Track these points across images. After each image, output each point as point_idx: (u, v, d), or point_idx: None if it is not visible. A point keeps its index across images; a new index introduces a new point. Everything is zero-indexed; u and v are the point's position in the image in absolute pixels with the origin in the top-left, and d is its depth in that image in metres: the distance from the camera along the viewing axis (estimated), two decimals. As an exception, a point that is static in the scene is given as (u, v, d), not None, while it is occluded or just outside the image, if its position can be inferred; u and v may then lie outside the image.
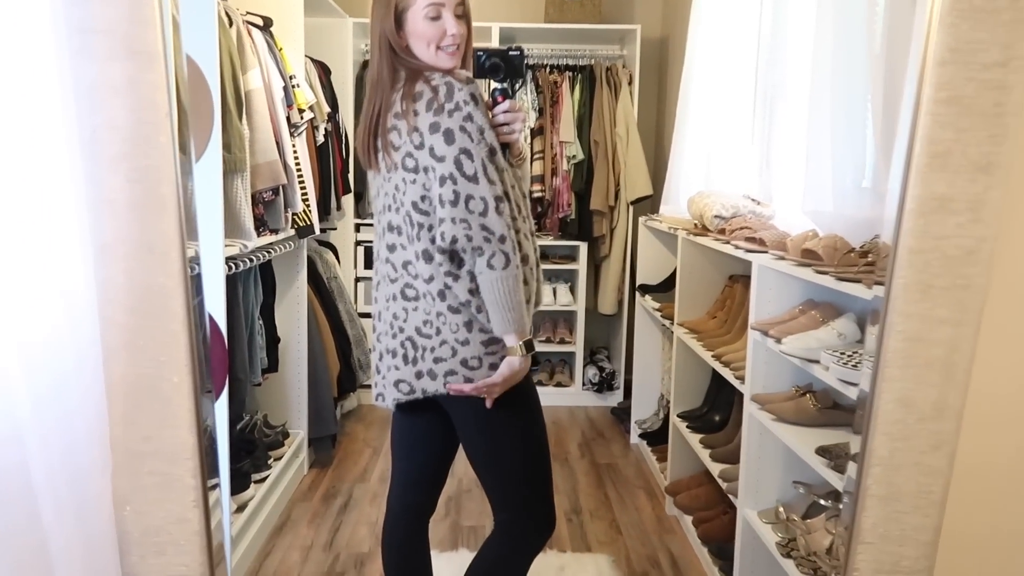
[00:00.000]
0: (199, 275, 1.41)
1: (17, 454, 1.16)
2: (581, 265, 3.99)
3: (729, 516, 2.35)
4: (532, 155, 3.86)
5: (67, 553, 1.22)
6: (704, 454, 2.47)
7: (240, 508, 2.46)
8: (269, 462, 2.78)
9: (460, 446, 1.67)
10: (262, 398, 3.05)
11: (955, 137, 1.23)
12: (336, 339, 3.36)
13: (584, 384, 4.08)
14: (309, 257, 3.18)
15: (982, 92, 1.22)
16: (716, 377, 2.64)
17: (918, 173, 1.24)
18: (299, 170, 2.76)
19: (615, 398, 4.06)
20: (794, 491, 2.00)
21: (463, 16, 1.51)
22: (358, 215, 3.89)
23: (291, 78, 2.75)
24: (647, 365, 3.44)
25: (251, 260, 2.40)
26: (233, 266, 2.24)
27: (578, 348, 4.06)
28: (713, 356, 2.36)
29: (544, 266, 3.91)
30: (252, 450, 2.71)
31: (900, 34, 1.69)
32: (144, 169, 1.24)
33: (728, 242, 2.29)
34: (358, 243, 3.90)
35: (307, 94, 2.85)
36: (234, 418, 2.72)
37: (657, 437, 3.25)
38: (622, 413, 3.77)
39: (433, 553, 1.78)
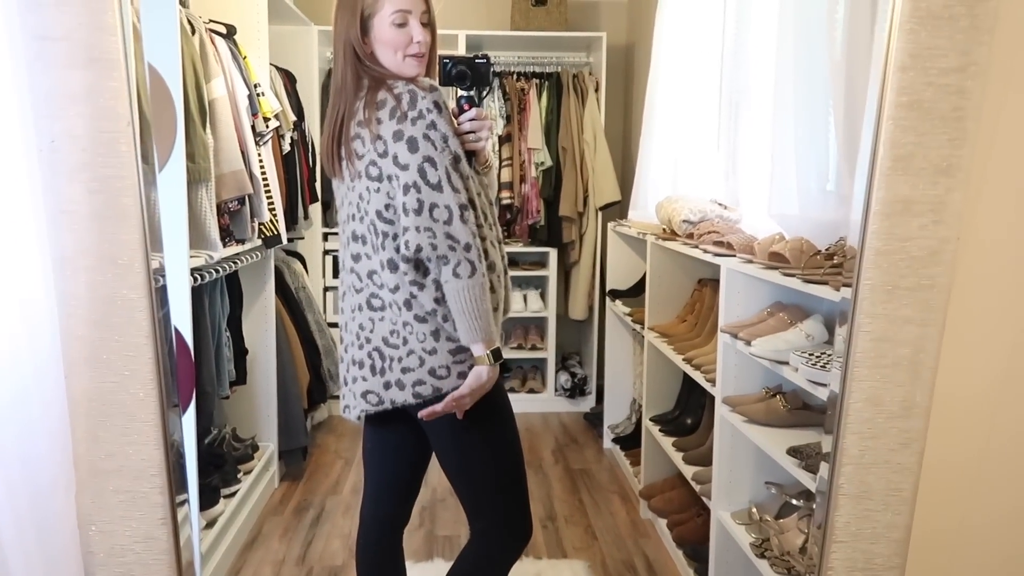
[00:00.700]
0: (164, 287, 1.38)
1: (-26, 473, 1.12)
2: (551, 271, 4.00)
3: (703, 518, 2.37)
4: (500, 162, 3.87)
5: (28, 574, 1.19)
6: (677, 457, 2.49)
7: (210, 524, 2.41)
8: (239, 476, 2.73)
9: (433, 455, 1.66)
10: (230, 411, 3.00)
11: (916, 140, 1.26)
12: (305, 350, 3.32)
13: (556, 390, 4.09)
14: (277, 267, 3.14)
15: (941, 97, 1.25)
16: (687, 380, 2.66)
17: (882, 176, 1.27)
18: (265, 179, 2.72)
19: (587, 403, 4.07)
20: (766, 492, 2.02)
21: (428, 24, 1.51)
22: (326, 224, 3.86)
23: (256, 86, 2.72)
24: (619, 370, 3.46)
25: (217, 271, 2.36)
26: (199, 277, 2.21)
27: (550, 354, 4.07)
28: (684, 359, 2.37)
29: (514, 272, 3.91)
30: (221, 464, 2.66)
31: (860, 41, 1.73)
32: (105, 179, 1.21)
33: (696, 246, 2.31)
34: (326, 252, 3.86)
35: (272, 103, 2.82)
36: (202, 432, 2.68)
37: (630, 441, 3.27)
38: (595, 418, 3.78)
39: (408, 563, 1.76)
